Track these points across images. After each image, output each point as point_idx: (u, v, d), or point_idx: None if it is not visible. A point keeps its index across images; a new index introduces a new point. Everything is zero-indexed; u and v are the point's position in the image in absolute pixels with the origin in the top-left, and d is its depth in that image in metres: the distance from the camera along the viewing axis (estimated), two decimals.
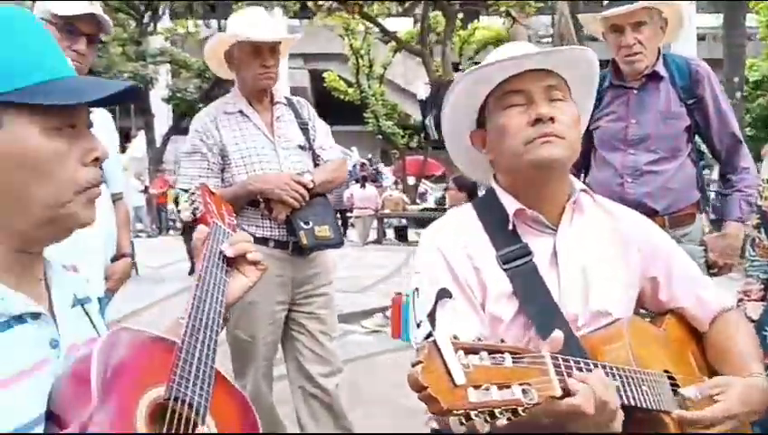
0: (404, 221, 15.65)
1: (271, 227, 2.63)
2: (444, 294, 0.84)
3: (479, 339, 0.93)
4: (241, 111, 2.71)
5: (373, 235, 14.58)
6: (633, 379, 1.19)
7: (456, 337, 0.88)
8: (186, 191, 2.59)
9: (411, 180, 20.32)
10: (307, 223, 2.60)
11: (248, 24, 2.67)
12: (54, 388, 0.91)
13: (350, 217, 14.84)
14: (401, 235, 15.10)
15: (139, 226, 17.44)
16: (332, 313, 2.82)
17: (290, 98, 2.88)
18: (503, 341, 0.97)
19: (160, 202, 17.38)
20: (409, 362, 0.87)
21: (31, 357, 0.92)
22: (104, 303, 2.35)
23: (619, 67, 2.67)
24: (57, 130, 0.92)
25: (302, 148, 2.74)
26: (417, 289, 0.95)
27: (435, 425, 1.35)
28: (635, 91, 2.65)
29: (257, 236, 2.63)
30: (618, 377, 1.16)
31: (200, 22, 23.61)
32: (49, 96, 0.91)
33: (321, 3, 13.18)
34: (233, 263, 1.25)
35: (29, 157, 0.90)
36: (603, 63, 2.71)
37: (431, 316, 0.85)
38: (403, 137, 21.20)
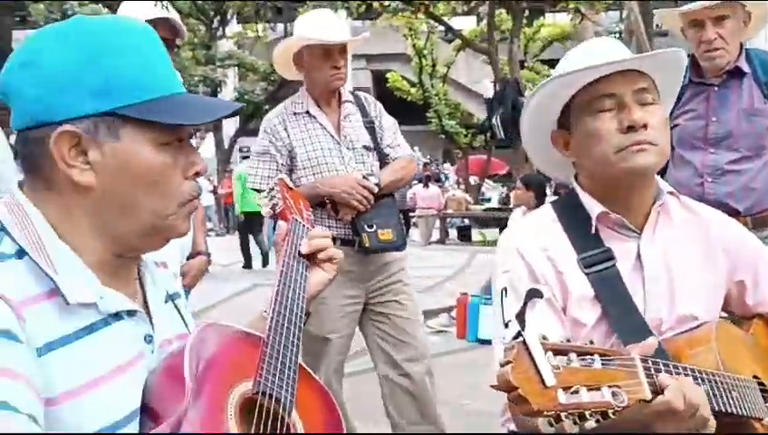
0: (467, 221, 15.57)
1: (337, 227, 2.67)
2: (534, 293, 0.83)
3: (568, 340, 0.92)
4: (308, 112, 2.76)
5: (436, 235, 14.56)
6: (722, 384, 1.16)
7: (545, 337, 0.88)
8: (259, 191, 2.70)
9: (474, 180, 20.19)
10: (371, 226, 2.62)
11: (317, 26, 2.72)
12: (149, 382, 0.95)
13: (413, 216, 14.86)
14: (464, 235, 15.02)
15: (209, 225, 17.94)
16: (411, 298, 2.80)
17: (357, 94, 2.90)
18: (591, 342, 0.96)
19: (228, 202, 17.83)
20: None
21: (128, 352, 0.95)
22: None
23: (699, 63, 2.59)
24: (167, 144, 0.95)
25: (367, 148, 2.76)
26: (505, 289, 0.94)
27: (512, 426, 1.35)
28: (715, 88, 2.56)
29: None
30: (706, 381, 1.13)
31: (266, 25, 24.08)
32: (166, 114, 0.93)
33: (386, 3, 13.23)
34: (311, 258, 1.27)
35: (141, 169, 0.93)
36: None
37: (520, 316, 0.85)
38: (466, 136, 21.06)
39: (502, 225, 14.64)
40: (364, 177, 2.65)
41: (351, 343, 2.84)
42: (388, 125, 2.85)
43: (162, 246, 1.02)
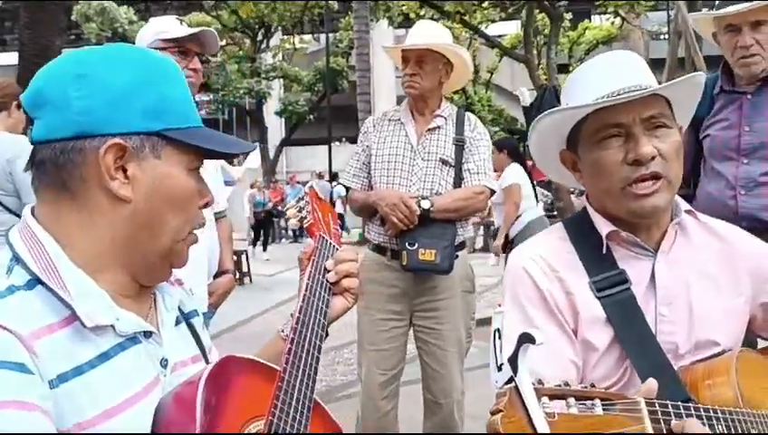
0: None
1: (388, 236, 2.66)
2: (525, 339, 0.78)
3: (566, 384, 0.87)
4: (400, 120, 2.80)
5: (479, 242, 14.41)
6: (740, 422, 1.09)
7: (540, 381, 0.83)
8: (347, 188, 2.78)
9: None
10: (413, 244, 2.57)
11: (410, 34, 2.82)
12: (160, 408, 0.92)
13: None
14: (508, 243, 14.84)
15: (253, 235, 18.12)
16: (455, 326, 2.72)
17: (462, 113, 2.86)
18: (593, 385, 0.90)
19: None
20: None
21: (143, 379, 0.94)
22: (207, 318, 2.45)
23: (732, 71, 2.49)
24: (193, 171, 1.00)
25: (444, 162, 2.70)
26: (497, 330, 0.88)
27: None
28: (749, 97, 2.44)
29: (375, 242, 2.73)
30: (721, 420, 1.07)
31: (311, 36, 24.36)
32: (207, 141, 0.99)
33: (422, 13, 13.24)
34: (335, 281, 1.21)
35: (173, 189, 0.97)
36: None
37: (512, 361, 0.80)
38: None
39: None
40: (420, 198, 2.60)
41: (399, 361, 2.77)
42: (480, 151, 2.75)
43: (167, 277, 1.04)
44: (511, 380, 0.82)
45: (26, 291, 0.88)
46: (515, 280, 1.33)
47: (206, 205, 1.04)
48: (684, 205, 1.37)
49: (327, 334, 1.16)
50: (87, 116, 0.92)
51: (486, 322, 5.68)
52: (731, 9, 2.42)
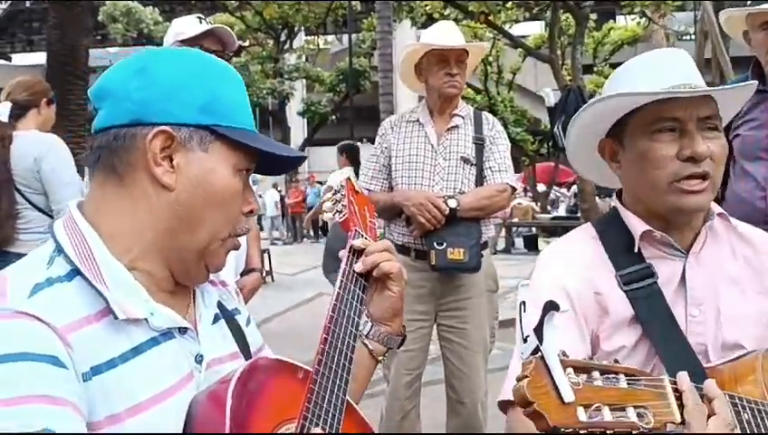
0: (533, 230, 15.30)
1: (413, 237, 2.68)
2: (551, 306, 0.79)
3: (590, 358, 0.88)
4: (418, 120, 2.82)
5: (501, 244, 14.36)
6: (765, 412, 1.09)
7: (565, 354, 0.84)
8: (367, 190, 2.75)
9: (541, 187, 19.83)
10: (441, 243, 2.58)
11: (436, 35, 2.81)
12: (193, 406, 0.93)
13: None
14: (531, 244, 14.76)
15: (275, 234, 18.26)
16: (479, 326, 2.74)
17: (479, 112, 2.89)
18: (616, 361, 0.90)
19: (294, 212, 18.13)
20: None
21: (177, 373, 0.95)
22: None
23: (762, 70, 2.45)
24: (240, 172, 1.01)
25: (465, 161, 2.72)
26: (523, 302, 0.88)
27: None
28: None
29: (398, 243, 2.73)
30: (747, 409, 1.06)
31: (335, 37, 24.46)
32: (257, 142, 1.01)
33: (446, 13, 13.20)
34: (373, 276, 1.15)
35: (217, 186, 0.98)
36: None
37: (538, 330, 0.81)
38: (533, 143, 20.71)
39: None
40: (446, 198, 2.61)
41: (423, 360, 2.79)
42: (500, 149, 2.79)
43: (203, 279, 1.04)
44: (536, 350, 0.83)
45: (66, 282, 0.89)
46: (543, 287, 1.31)
47: (251, 212, 1.05)
48: (716, 208, 1.36)
49: (405, 337, 1.17)
50: (142, 105, 0.95)
51: (509, 323, 5.67)
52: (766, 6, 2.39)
